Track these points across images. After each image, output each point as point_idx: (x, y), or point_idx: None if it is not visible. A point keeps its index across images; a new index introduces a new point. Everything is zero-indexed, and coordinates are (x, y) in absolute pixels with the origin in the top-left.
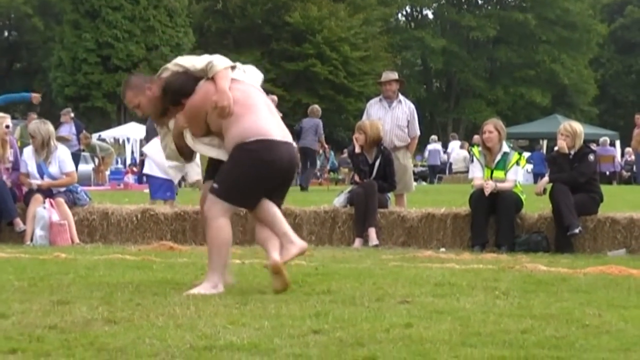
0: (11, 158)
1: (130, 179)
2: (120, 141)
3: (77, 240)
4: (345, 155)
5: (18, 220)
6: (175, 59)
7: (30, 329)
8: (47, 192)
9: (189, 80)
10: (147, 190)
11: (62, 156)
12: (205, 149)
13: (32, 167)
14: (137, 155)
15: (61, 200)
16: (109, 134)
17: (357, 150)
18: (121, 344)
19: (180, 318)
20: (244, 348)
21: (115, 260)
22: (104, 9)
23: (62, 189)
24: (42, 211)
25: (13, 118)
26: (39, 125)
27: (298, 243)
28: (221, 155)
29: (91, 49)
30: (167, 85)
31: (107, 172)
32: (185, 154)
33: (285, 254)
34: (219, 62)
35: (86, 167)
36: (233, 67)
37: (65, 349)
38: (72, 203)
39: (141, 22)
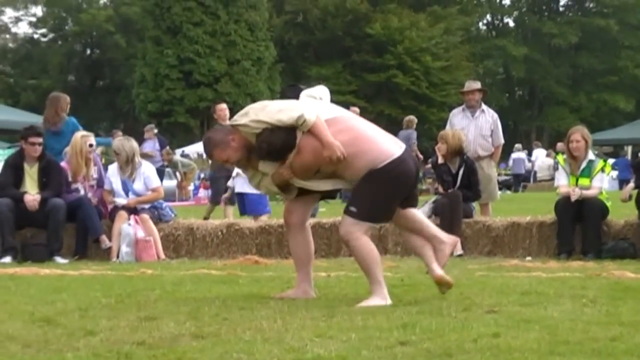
0: (95, 175)
1: (202, 193)
2: (204, 156)
3: (162, 256)
4: (429, 165)
5: (104, 237)
6: (249, 110)
7: (118, 346)
8: (132, 209)
9: (289, 135)
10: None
11: (147, 172)
12: (317, 185)
13: (116, 184)
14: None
15: (146, 216)
16: (192, 149)
17: (440, 160)
18: (208, 359)
19: (267, 332)
20: None
21: (201, 275)
22: (185, 24)
23: (147, 205)
24: (128, 228)
25: (97, 136)
26: (123, 142)
27: (448, 241)
28: (337, 184)
29: (173, 65)
30: (270, 145)
31: (191, 188)
32: (289, 190)
33: (441, 256)
34: (308, 112)
35: (170, 183)
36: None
37: None
38: (157, 219)
39: (222, 36)
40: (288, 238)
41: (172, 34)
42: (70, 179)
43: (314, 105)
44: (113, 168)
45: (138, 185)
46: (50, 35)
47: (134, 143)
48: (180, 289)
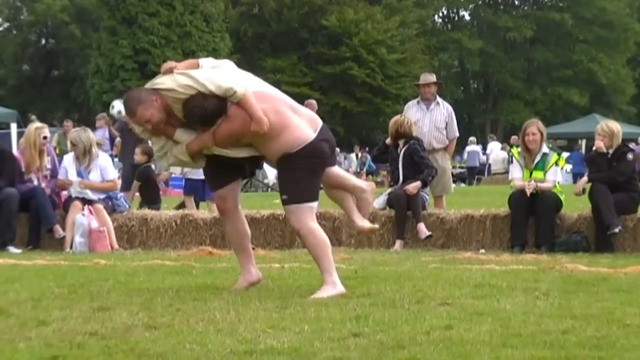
0: (49, 166)
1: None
2: None
3: (116, 246)
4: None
5: (57, 227)
6: (174, 76)
7: (70, 336)
8: (87, 200)
9: (221, 103)
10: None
11: (103, 163)
12: (235, 152)
13: (72, 174)
14: None
15: (100, 207)
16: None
17: (388, 141)
18: (162, 350)
19: (220, 323)
20: (285, 352)
21: (154, 266)
22: (140, 15)
23: (102, 196)
24: (82, 218)
25: (51, 126)
26: (80, 133)
27: (368, 188)
28: (252, 152)
29: (128, 56)
30: (203, 110)
31: None
32: (199, 159)
33: (365, 205)
34: (237, 85)
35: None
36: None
37: (106, 356)
38: (112, 210)
39: (177, 27)
40: (225, 224)
41: (127, 24)
42: (23, 169)
43: (243, 77)
44: (69, 158)
45: (94, 176)
46: (5, 25)
47: (91, 134)
48: (134, 280)
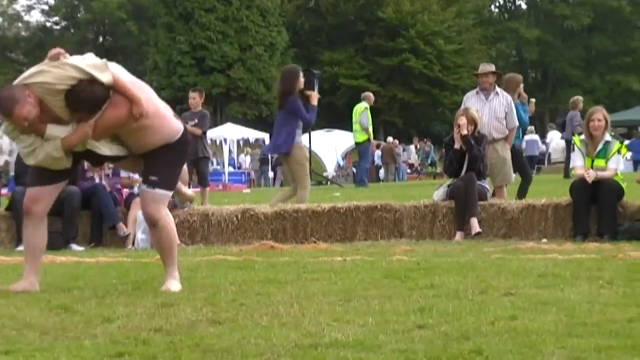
0: (111, 165)
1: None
2: (218, 142)
3: (178, 242)
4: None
5: (121, 225)
6: (43, 69)
7: (136, 333)
8: None
9: (105, 89)
10: (247, 191)
11: None
12: (106, 148)
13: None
14: (235, 156)
15: None
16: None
17: (456, 146)
18: (227, 345)
19: (284, 317)
20: (350, 345)
21: (217, 261)
22: (197, 11)
23: None
24: (143, 215)
25: None
26: None
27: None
28: (120, 151)
29: (186, 52)
30: (92, 94)
31: None
32: (68, 158)
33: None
34: (110, 69)
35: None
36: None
37: (171, 352)
38: (173, 206)
39: (235, 23)
40: (26, 226)
41: (184, 20)
42: (86, 167)
43: (113, 66)
44: None
45: None
46: (63, 24)
47: None
48: (197, 275)
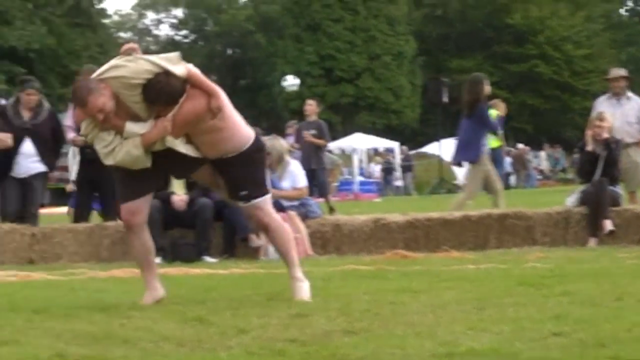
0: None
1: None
2: (347, 152)
3: (310, 252)
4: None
5: (253, 236)
6: (118, 63)
7: (270, 343)
8: (279, 206)
9: (183, 82)
10: (377, 200)
11: (295, 171)
12: (185, 149)
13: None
14: (364, 165)
15: (293, 213)
16: (335, 145)
17: (588, 148)
18: (362, 355)
19: (418, 326)
20: (485, 353)
21: (349, 270)
22: (324, 21)
23: (295, 203)
24: None
25: None
26: (272, 141)
27: None
28: (195, 152)
29: (314, 62)
30: (168, 86)
31: (336, 184)
32: (148, 156)
33: None
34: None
35: None
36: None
37: None
38: (305, 216)
39: (362, 32)
40: (131, 241)
41: (312, 31)
42: None
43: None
44: None
45: (286, 184)
46: (192, 37)
47: (284, 142)
48: (330, 285)
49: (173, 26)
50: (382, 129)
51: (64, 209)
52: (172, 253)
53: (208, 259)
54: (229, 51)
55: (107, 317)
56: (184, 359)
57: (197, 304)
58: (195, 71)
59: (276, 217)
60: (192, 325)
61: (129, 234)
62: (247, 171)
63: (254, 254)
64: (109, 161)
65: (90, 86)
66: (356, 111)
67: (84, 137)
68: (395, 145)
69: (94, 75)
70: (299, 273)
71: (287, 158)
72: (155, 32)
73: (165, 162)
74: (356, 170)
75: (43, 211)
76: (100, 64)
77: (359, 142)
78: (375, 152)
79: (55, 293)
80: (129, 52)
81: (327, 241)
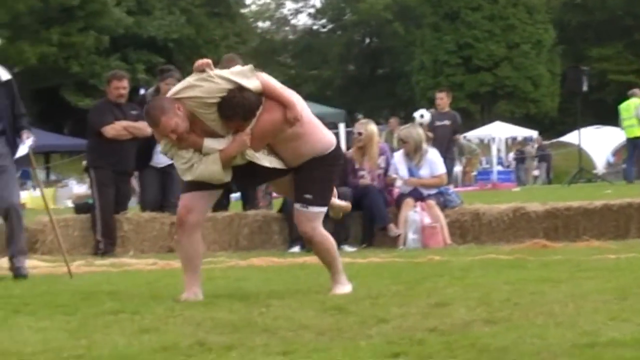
0: (382, 164)
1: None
2: (485, 141)
3: (449, 242)
4: None
5: (391, 226)
6: (191, 83)
7: (410, 333)
8: (418, 195)
9: (257, 96)
10: (516, 189)
11: (433, 158)
12: (268, 162)
13: (402, 171)
14: (502, 155)
15: (432, 202)
16: (473, 134)
17: None
18: (502, 345)
19: (559, 316)
20: (628, 344)
21: (489, 260)
22: (463, 10)
23: (433, 192)
24: (414, 215)
25: (377, 124)
26: (410, 130)
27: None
28: (275, 163)
29: (452, 51)
30: (244, 99)
31: (474, 173)
32: (227, 171)
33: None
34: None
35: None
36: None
37: (447, 351)
38: (443, 205)
39: (500, 21)
40: (180, 238)
41: (450, 19)
42: (355, 165)
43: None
44: (399, 155)
45: (424, 172)
46: (330, 26)
47: (421, 130)
48: (469, 275)
49: (311, 15)
50: (520, 118)
51: None
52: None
53: (347, 248)
54: (367, 40)
55: (247, 305)
56: (323, 348)
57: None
58: (270, 82)
59: (320, 231)
60: (332, 314)
61: (178, 231)
62: (320, 176)
63: (392, 243)
64: (187, 177)
65: (164, 106)
66: (495, 100)
67: (164, 154)
68: (534, 134)
69: (170, 93)
70: (343, 278)
71: (425, 146)
72: (293, 21)
73: (245, 173)
74: (494, 159)
75: None
76: (239, 54)
77: (498, 131)
78: (514, 141)
79: None
80: (202, 69)
81: (466, 230)
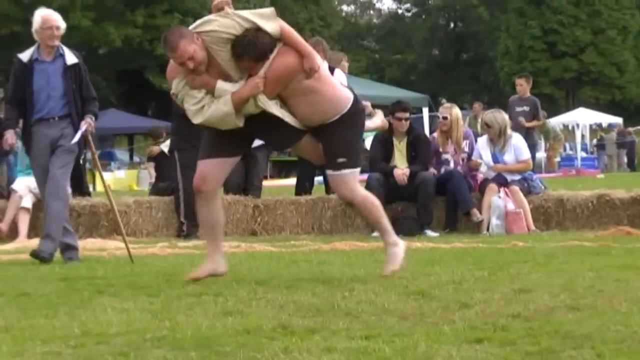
0: (466, 149)
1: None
2: (570, 127)
3: (533, 228)
4: None
5: (475, 211)
6: (210, 19)
7: (493, 318)
8: (502, 181)
9: (272, 38)
10: (600, 176)
11: (518, 143)
12: (280, 113)
13: (486, 157)
14: (587, 141)
15: (516, 188)
16: (557, 120)
17: None
18: (586, 332)
19: None
20: None
21: (572, 247)
22: None
23: (517, 177)
24: (498, 200)
25: (461, 109)
26: (495, 114)
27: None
28: (286, 117)
29: (537, 36)
30: (255, 38)
31: (557, 159)
32: (239, 116)
33: None
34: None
35: (537, 154)
36: None
37: (530, 337)
38: (527, 191)
39: (586, 6)
40: (198, 207)
41: (535, 4)
42: (440, 148)
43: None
44: (483, 140)
45: (508, 157)
46: (414, 10)
47: (505, 115)
48: (553, 261)
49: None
50: (605, 104)
51: (286, 181)
52: (393, 226)
53: (430, 232)
54: (451, 25)
55: (330, 289)
56: (406, 333)
57: (419, 278)
58: (290, 29)
59: (359, 191)
60: (415, 298)
61: (197, 199)
62: (347, 136)
63: (475, 228)
64: (197, 119)
65: (183, 32)
66: (579, 86)
67: (174, 96)
68: (619, 120)
69: (193, 28)
70: (392, 238)
71: (509, 131)
72: (378, 5)
73: (262, 131)
74: (579, 145)
75: (266, 183)
76: (324, 37)
77: (582, 118)
78: (599, 127)
79: (277, 264)
80: (221, 7)
81: (549, 217)
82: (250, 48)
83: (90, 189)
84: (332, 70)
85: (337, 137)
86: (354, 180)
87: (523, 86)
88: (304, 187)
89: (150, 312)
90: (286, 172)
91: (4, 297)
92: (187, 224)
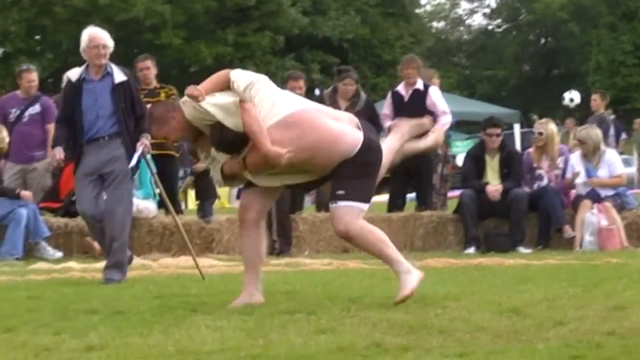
0: (561, 165)
1: None
2: None
3: (626, 244)
4: None
5: (567, 227)
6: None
7: (588, 336)
8: (595, 197)
9: (236, 134)
10: None
11: (612, 159)
12: (268, 182)
13: (580, 172)
14: None
15: (609, 204)
16: None
17: None
18: None
19: None
20: None
21: None
22: None
23: (610, 193)
24: (591, 216)
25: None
26: (589, 131)
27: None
28: (296, 179)
29: (628, 51)
30: (220, 138)
31: None
32: (234, 181)
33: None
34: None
35: (630, 170)
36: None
37: (625, 356)
38: (620, 207)
39: None
40: (240, 236)
41: (627, 19)
42: (535, 164)
43: (275, 97)
44: (576, 156)
45: (602, 173)
46: (505, 26)
47: (599, 131)
48: None
49: (486, 15)
50: None
51: (378, 198)
52: (486, 243)
53: (522, 249)
54: (542, 40)
55: (423, 306)
56: (500, 351)
57: (512, 295)
58: (251, 122)
59: (355, 224)
60: (508, 316)
61: (240, 228)
62: (351, 172)
63: (568, 245)
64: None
65: (155, 116)
66: None
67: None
68: None
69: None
70: (402, 266)
71: (603, 147)
72: (468, 21)
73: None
74: None
75: None
76: (415, 54)
77: None
78: None
79: (370, 282)
80: (192, 97)
81: None
82: (220, 145)
83: (182, 206)
84: (426, 87)
85: (342, 172)
86: (351, 214)
87: (597, 102)
88: (396, 204)
89: (243, 331)
90: (379, 189)
91: (98, 316)
92: (280, 242)
